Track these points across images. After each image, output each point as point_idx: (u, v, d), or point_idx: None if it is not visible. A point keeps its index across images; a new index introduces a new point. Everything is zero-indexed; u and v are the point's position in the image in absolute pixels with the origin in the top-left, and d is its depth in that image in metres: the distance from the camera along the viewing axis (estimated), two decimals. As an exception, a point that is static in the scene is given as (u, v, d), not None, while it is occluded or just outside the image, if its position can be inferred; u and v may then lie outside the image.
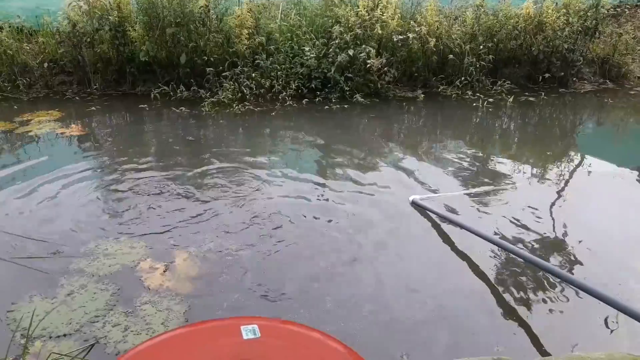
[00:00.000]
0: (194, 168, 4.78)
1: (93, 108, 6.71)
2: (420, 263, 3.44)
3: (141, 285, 2.93)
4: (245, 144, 5.66)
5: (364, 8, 7.04)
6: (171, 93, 7.01)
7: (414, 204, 4.18)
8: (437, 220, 3.93)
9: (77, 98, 7.16)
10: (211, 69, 6.93)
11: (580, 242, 3.71)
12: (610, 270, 3.38)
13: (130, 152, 5.20)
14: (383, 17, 7.05)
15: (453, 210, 4.08)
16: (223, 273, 3.11)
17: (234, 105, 6.64)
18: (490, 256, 3.51)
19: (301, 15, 7.57)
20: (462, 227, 3.67)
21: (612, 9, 8.09)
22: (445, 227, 3.84)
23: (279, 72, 6.98)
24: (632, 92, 7.65)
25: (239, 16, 7.03)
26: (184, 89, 7.02)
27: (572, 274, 3.32)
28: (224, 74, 6.92)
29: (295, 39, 7.25)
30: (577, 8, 7.57)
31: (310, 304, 2.87)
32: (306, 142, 5.81)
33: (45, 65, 7.20)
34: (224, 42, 7.10)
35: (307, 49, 7.04)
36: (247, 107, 6.70)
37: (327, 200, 4.28)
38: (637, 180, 4.96)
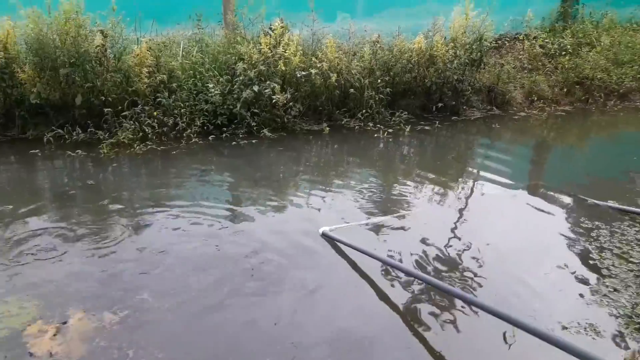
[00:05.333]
0: (91, 215, 4.53)
1: (-25, 155, 6.17)
2: (332, 293, 3.48)
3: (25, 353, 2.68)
4: (149, 185, 5.46)
5: (267, 45, 7.17)
6: (66, 136, 6.62)
7: (324, 235, 4.25)
8: (348, 250, 4.02)
9: (-44, 145, 6.55)
10: (109, 109, 6.65)
11: (479, 260, 3.95)
12: (508, 286, 3.63)
13: (19, 202, 4.81)
14: (285, 54, 7.22)
15: (362, 239, 4.19)
16: (124, 331, 2.94)
17: (135, 145, 6.40)
18: (398, 282, 3.63)
19: (203, 53, 7.54)
20: (370, 255, 3.78)
21: (493, 42, 8.89)
22: (355, 256, 3.92)
23: (182, 110, 6.86)
24: (516, 117, 8.40)
25: (138, 55, 6.86)
26: (80, 131, 6.66)
27: (474, 292, 3.52)
28: (123, 113, 6.68)
29: (198, 76, 7.19)
30: (463, 42, 8.23)
31: (228, 343, 2.78)
32: (214, 179, 5.72)
33: None
34: (122, 81, 6.87)
35: (211, 85, 7.00)
36: (149, 147, 6.49)
37: (238, 235, 4.24)
38: (526, 198, 5.41)
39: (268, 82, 7.05)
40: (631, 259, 3.93)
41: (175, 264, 3.74)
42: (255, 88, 6.94)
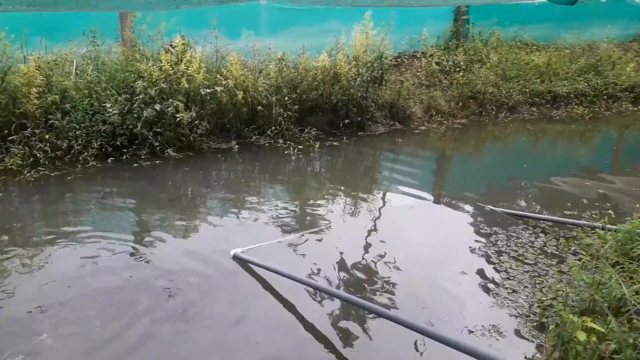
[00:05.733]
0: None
1: None
2: (250, 320, 3.37)
3: None
4: (44, 214, 5.02)
5: (168, 62, 6.93)
6: (-59, 164, 5.93)
7: (236, 257, 4.13)
8: (260, 271, 3.93)
9: None
10: (-7, 132, 6.06)
11: (391, 270, 4.03)
12: (419, 295, 3.73)
13: None
14: (188, 71, 7.02)
15: (278, 258, 4.12)
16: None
17: (26, 172, 5.87)
18: (314, 300, 3.60)
19: (100, 71, 7.13)
20: (285, 275, 3.73)
21: (393, 60, 9.29)
22: (269, 277, 3.84)
23: (77, 132, 6.40)
24: (417, 131, 8.80)
25: (25, 74, 6.33)
26: (-42, 159, 6.00)
27: (388, 302, 3.57)
28: (10, 137, 6.11)
29: (94, 96, 6.77)
30: (364, 60, 8.50)
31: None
32: (116, 203, 5.39)
33: None
34: (8, 102, 6.30)
35: (108, 105, 6.62)
36: (42, 173, 5.99)
37: (145, 262, 4.01)
38: (432, 207, 5.65)
39: (171, 100, 6.80)
40: (526, 261, 4.20)
41: (79, 299, 3.44)
42: (157, 107, 6.66)
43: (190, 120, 6.87)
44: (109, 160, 6.52)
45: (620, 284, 2.95)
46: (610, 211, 4.79)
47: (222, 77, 7.31)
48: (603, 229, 4.19)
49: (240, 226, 4.90)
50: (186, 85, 6.98)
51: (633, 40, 12.19)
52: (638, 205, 5.09)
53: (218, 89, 7.10)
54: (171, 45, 7.21)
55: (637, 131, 9.52)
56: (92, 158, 6.40)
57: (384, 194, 6.02)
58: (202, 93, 7.04)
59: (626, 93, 10.31)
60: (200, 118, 7.10)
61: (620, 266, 3.51)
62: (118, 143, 6.62)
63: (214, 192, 5.95)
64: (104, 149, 6.58)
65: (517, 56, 10.40)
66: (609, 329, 2.68)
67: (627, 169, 7.15)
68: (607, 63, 10.60)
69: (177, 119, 6.75)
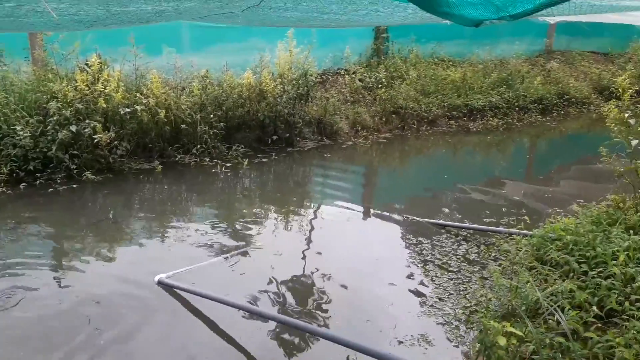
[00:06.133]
0: None
1: None
2: (167, 342, 3.23)
3: None
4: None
5: (83, 82, 6.62)
6: None
7: (161, 283, 3.97)
8: (189, 296, 3.79)
9: None
10: None
11: (324, 286, 4.03)
12: (351, 309, 3.75)
13: None
14: (106, 90, 6.74)
15: (206, 282, 4.00)
16: None
17: None
18: (245, 323, 3.52)
19: (8, 92, 6.67)
20: (213, 299, 3.62)
21: (318, 77, 9.43)
22: (197, 302, 3.72)
23: (-17, 157, 5.95)
24: (344, 146, 8.95)
25: None
26: None
27: (323, 318, 3.56)
28: None
29: (2, 118, 6.32)
30: (290, 77, 8.57)
31: None
32: (30, 232, 5.03)
33: None
34: None
35: (19, 127, 6.20)
36: (-60, 203, 5.49)
37: (64, 289, 3.77)
38: (361, 220, 5.74)
39: (87, 120, 6.49)
40: (450, 269, 4.36)
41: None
42: (73, 128, 6.33)
43: (109, 140, 6.58)
44: (20, 187, 6.09)
45: (534, 288, 3.12)
46: (526, 217, 5.10)
47: (142, 96, 7.07)
48: (519, 234, 4.44)
49: (166, 249, 4.73)
50: (104, 105, 6.69)
51: (539, 55, 13.19)
52: (550, 210, 5.43)
53: (138, 107, 6.86)
54: (87, 64, 6.90)
55: (546, 140, 10.24)
56: (2, 184, 5.95)
57: (315, 209, 6.05)
58: (122, 112, 6.78)
59: (535, 104, 11.10)
60: (120, 138, 6.82)
61: (536, 270, 3.73)
62: (31, 167, 6.21)
63: (137, 214, 5.71)
64: (15, 174, 6.14)
65: (435, 72, 10.91)
66: (526, 332, 2.82)
67: (540, 176, 7.65)
68: (517, 77, 11.37)
69: (95, 140, 6.44)
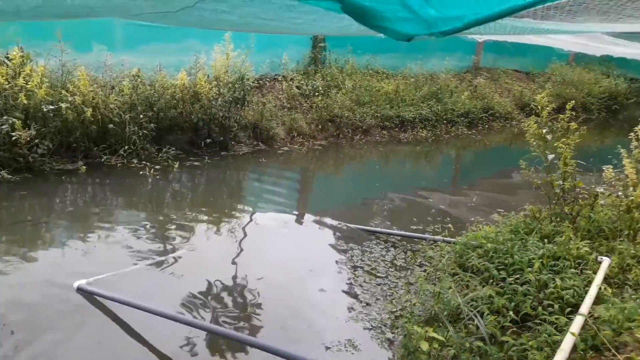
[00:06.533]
0: None
1: None
2: (91, 352, 3.09)
3: None
4: None
5: (3, 76, 6.21)
6: None
7: (80, 290, 3.78)
8: (109, 304, 3.63)
9: None
10: None
11: (255, 292, 4.00)
12: (282, 315, 3.74)
13: None
14: (28, 85, 6.35)
15: (130, 288, 3.85)
16: None
17: None
18: (170, 331, 3.42)
19: None
20: (137, 307, 3.50)
21: (255, 82, 9.38)
22: (118, 309, 3.57)
23: None
24: (280, 152, 8.95)
25: None
26: None
27: (253, 325, 3.53)
28: None
29: None
30: (226, 81, 8.46)
31: None
32: None
33: None
34: None
35: None
36: None
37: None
38: (295, 226, 5.75)
39: (6, 117, 6.08)
40: (378, 274, 4.47)
41: None
42: (-11, 124, 5.92)
43: (29, 138, 6.20)
44: None
45: (456, 293, 3.27)
46: (450, 225, 5.33)
47: (68, 93, 6.73)
48: (443, 242, 4.63)
49: (88, 254, 4.51)
50: (25, 101, 6.30)
51: (467, 71, 13.87)
52: (472, 219, 5.71)
53: (63, 105, 6.52)
54: (7, 58, 6.48)
55: (471, 152, 10.76)
56: None
57: (248, 214, 6.00)
58: (44, 110, 6.41)
59: (462, 118, 11.64)
60: (41, 137, 6.44)
61: (458, 276, 3.90)
62: (-64, 165, 5.74)
63: (58, 217, 5.41)
64: None
65: (370, 83, 11.19)
66: (448, 336, 2.95)
67: (464, 186, 8.02)
68: (446, 91, 11.89)
69: (14, 138, 6.05)
